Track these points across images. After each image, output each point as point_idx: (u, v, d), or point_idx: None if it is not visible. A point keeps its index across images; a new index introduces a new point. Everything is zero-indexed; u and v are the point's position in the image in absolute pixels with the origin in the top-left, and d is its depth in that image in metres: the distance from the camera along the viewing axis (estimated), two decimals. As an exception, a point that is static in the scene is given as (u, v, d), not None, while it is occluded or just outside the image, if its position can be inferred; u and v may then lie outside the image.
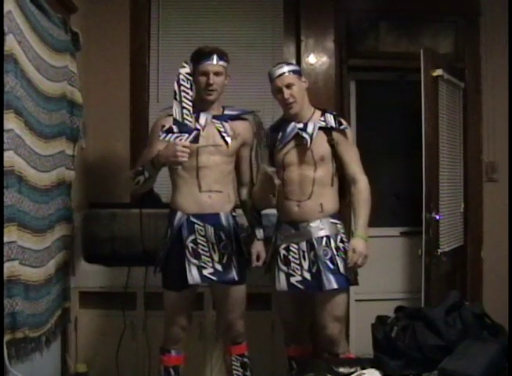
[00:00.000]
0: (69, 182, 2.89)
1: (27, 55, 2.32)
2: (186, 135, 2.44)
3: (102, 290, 3.18)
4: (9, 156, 2.15)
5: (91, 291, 3.18)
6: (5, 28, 2.11)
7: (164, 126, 2.47)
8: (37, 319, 2.43)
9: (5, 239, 2.12)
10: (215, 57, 2.59)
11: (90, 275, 3.16)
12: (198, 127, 2.53)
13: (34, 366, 2.45)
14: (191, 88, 2.46)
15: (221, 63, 2.61)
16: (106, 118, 3.49)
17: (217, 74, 2.60)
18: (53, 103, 2.65)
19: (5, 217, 2.12)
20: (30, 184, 2.37)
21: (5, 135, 2.13)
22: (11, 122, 2.17)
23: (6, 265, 2.12)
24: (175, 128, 2.44)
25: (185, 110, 2.44)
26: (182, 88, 2.44)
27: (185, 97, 2.44)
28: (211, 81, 2.59)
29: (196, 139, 2.47)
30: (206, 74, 2.59)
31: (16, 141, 2.22)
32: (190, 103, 2.45)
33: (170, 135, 2.44)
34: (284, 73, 2.60)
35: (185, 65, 2.47)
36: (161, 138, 2.46)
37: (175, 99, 2.44)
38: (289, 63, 2.74)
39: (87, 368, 3.14)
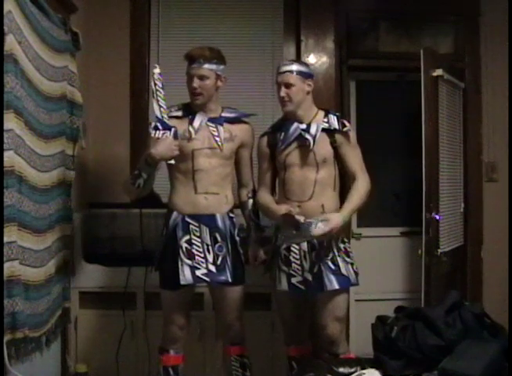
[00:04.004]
0: (69, 182, 2.89)
1: (27, 55, 2.32)
2: (168, 131, 2.56)
3: (102, 290, 3.18)
4: (8, 156, 2.15)
5: (91, 291, 3.18)
6: (5, 28, 2.11)
7: (150, 124, 2.59)
8: (37, 320, 2.43)
9: (5, 239, 2.11)
10: (201, 61, 2.58)
11: (90, 275, 3.16)
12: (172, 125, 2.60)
13: (34, 366, 2.45)
14: (163, 88, 2.56)
15: (206, 66, 2.59)
16: (106, 118, 3.49)
17: (201, 77, 2.59)
18: (53, 103, 2.65)
19: (5, 217, 2.11)
20: (30, 184, 2.37)
21: (5, 135, 2.13)
22: (11, 122, 2.17)
23: (6, 265, 2.12)
24: (159, 125, 2.56)
25: (162, 109, 2.56)
26: (157, 87, 2.56)
27: (159, 96, 2.55)
28: (194, 85, 2.59)
29: (175, 136, 2.57)
30: (191, 77, 2.60)
31: (16, 141, 2.22)
32: (164, 102, 2.56)
33: (158, 132, 2.56)
34: (287, 71, 2.59)
35: (156, 66, 2.60)
36: (152, 134, 2.56)
37: (153, 97, 2.57)
38: (300, 63, 2.69)
39: (87, 368, 3.15)
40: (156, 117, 2.56)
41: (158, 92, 2.55)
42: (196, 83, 2.59)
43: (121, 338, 3.11)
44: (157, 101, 2.55)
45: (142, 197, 2.73)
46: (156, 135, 2.54)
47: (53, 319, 2.68)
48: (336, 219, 2.51)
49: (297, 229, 2.57)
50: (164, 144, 2.53)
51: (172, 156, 2.54)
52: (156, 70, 2.57)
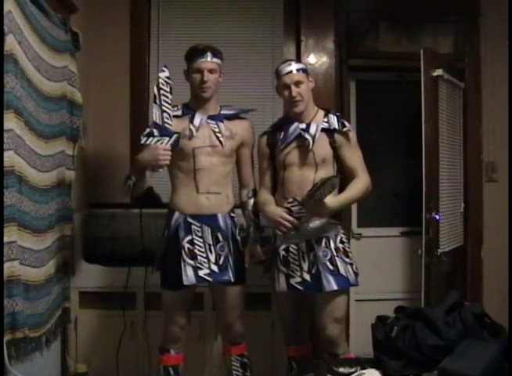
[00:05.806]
0: (69, 182, 2.89)
1: (27, 55, 2.32)
2: (167, 138, 2.48)
3: (102, 290, 3.18)
4: (8, 156, 2.15)
5: (91, 291, 3.18)
6: (5, 28, 2.11)
7: (145, 130, 2.51)
8: (37, 319, 2.43)
9: (5, 239, 2.11)
10: (209, 54, 2.59)
11: (90, 275, 3.16)
12: (177, 131, 2.54)
13: (34, 366, 2.45)
14: (170, 92, 2.49)
15: (214, 60, 2.61)
16: (106, 118, 3.49)
17: (211, 71, 2.60)
18: (53, 103, 2.65)
19: (5, 217, 2.11)
20: (30, 184, 2.37)
21: (5, 135, 2.13)
22: (11, 122, 2.17)
23: (6, 265, 2.12)
24: (156, 132, 2.49)
25: (165, 114, 2.48)
26: (162, 92, 2.48)
27: (165, 101, 2.48)
28: (205, 78, 2.58)
29: (176, 143, 2.51)
30: (200, 71, 2.59)
31: (16, 141, 2.22)
32: (170, 107, 2.50)
33: (151, 138, 2.48)
34: (293, 70, 2.59)
35: (165, 69, 2.51)
36: (142, 141, 2.50)
37: (155, 102, 2.49)
38: (298, 62, 2.72)
39: (87, 368, 3.15)
40: (154, 122, 2.49)
41: (164, 97, 2.46)
42: (206, 76, 2.58)
43: (121, 338, 3.10)
44: (160, 106, 2.47)
45: (142, 197, 2.73)
46: (148, 142, 2.48)
47: (53, 320, 2.68)
48: (328, 202, 2.51)
49: (296, 229, 2.57)
50: (150, 152, 2.49)
51: (159, 165, 2.49)
52: (164, 74, 2.49)
